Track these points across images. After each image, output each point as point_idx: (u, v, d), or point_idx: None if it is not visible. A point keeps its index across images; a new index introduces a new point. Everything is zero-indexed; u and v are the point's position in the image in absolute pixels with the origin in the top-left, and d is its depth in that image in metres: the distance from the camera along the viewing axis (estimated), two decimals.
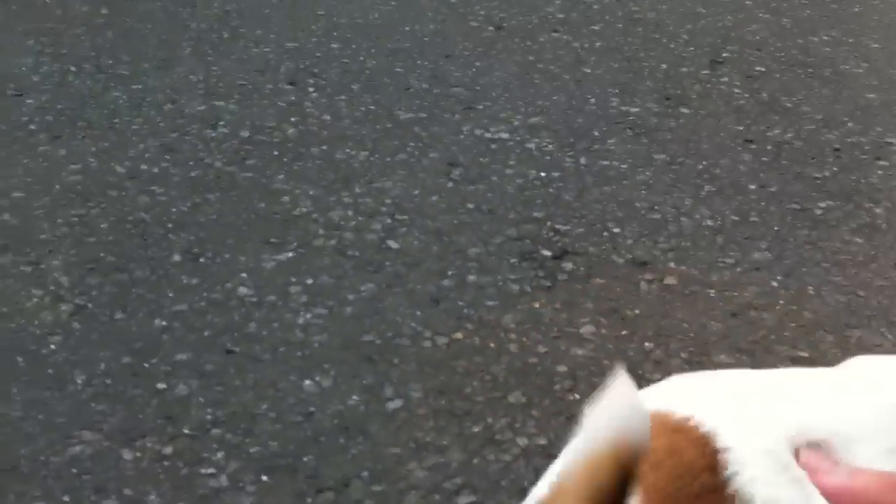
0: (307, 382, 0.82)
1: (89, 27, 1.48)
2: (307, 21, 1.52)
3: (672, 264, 1.00)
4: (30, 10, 1.53)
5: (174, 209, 1.05)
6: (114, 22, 1.50)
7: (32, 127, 1.20)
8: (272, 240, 1.01)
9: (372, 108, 1.28)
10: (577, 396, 0.83)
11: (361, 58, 1.41)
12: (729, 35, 1.53)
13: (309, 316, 0.90)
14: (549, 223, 1.05)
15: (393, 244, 1.01)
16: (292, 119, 1.24)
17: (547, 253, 1.00)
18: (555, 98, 1.32)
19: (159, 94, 1.29)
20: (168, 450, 0.75)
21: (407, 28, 1.51)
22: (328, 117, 1.25)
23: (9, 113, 1.23)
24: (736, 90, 1.37)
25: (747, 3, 1.67)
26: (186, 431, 0.77)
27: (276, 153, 1.16)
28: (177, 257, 0.97)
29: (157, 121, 1.22)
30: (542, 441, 0.78)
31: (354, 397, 0.81)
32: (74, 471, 0.73)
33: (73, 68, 1.35)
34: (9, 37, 1.43)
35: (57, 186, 1.08)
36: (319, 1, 1.60)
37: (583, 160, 1.17)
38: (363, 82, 1.34)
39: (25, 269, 0.94)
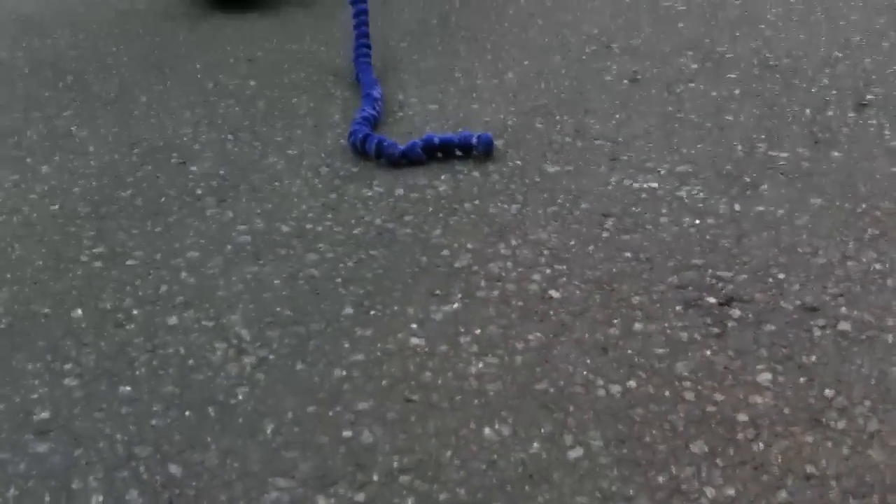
0: (487, 430, 0.83)
1: (240, 98, 1.57)
2: (446, 85, 1.57)
3: (844, 309, 0.97)
4: (184, 83, 1.63)
5: (341, 265, 1.09)
6: (263, 93, 1.58)
7: (199, 192, 1.27)
8: (437, 292, 1.03)
9: (518, 163, 1.30)
10: (762, 446, 0.81)
11: (501, 115, 1.45)
12: (871, 78, 1.51)
13: (481, 365, 0.92)
14: (710, 270, 1.04)
15: (555, 293, 1.02)
16: (442, 177, 1.28)
17: (712, 300, 0.99)
18: (699, 146, 1.32)
19: (314, 157, 1.35)
20: (360, 496, 0.77)
21: (542, 85, 1.55)
22: (476, 174, 1.28)
23: (176, 179, 1.31)
24: (886, 132, 1.34)
25: (884, 45, 1.64)
26: (376, 478, 0.79)
27: (431, 209, 1.20)
28: (349, 310, 1.01)
29: (315, 182, 1.28)
30: (730, 491, 0.77)
31: (535, 445, 0.82)
32: None
33: (230, 136, 1.43)
34: (168, 109, 1.53)
35: (228, 246, 1.14)
36: (455, 66, 1.65)
37: (737, 206, 1.16)
38: (507, 139, 1.37)
39: (207, 324, 0.99)
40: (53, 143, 1.43)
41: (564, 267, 1.06)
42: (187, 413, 0.87)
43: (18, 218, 1.22)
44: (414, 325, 0.98)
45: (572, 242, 1.11)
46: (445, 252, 1.11)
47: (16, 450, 0.83)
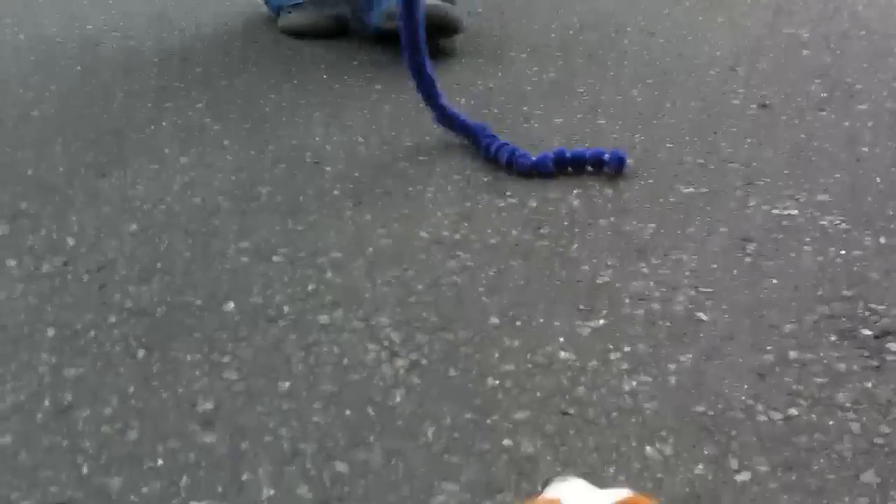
0: (648, 449, 0.83)
1: (367, 102, 1.59)
2: (569, 99, 1.58)
3: None
4: (311, 86, 1.66)
5: (482, 274, 1.10)
6: (388, 98, 1.61)
7: (336, 193, 1.29)
8: (581, 307, 1.03)
9: (650, 181, 1.30)
10: None
11: (628, 133, 1.45)
12: None
13: (634, 383, 0.92)
14: (862, 302, 1.03)
15: (702, 316, 1.02)
16: (575, 191, 1.28)
17: (868, 332, 0.98)
18: (837, 176, 1.30)
19: (444, 165, 1.36)
20: None
21: (669, 105, 1.54)
22: (609, 191, 1.28)
23: (312, 179, 1.33)
24: None
25: None
26: (540, 489, 0.79)
27: (566, 223, 1.20)
28: (495, 319, 1.02)
29: (449, 190, 1.29)
30: None
31: (700, 467, 0.81)
32: None
33: (360, 139, 1.45)
34: (298, 111, 1.56)
35: (370, 248, 1.15)
36: (577, 81, 1.65)
37: (882, 239, 1.15)
38: (637, 157, 1.36)
39: (358, 324, 1.01)
40: (189, 135, 1.47)
41: (710, 289, 1.06)
42: (347, 412, 0.88)
43: (162, 208, 1.26)
44: (561, 339, 0.98)
45: (714, 265, 1.11)
46: (585, 267, 1.11)
47: (184, 439, 0.85)
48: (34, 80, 1.72)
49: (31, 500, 0.78)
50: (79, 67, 1.79)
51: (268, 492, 0.79)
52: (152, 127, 1.50)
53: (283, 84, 1.66)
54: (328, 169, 1.36)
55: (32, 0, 2.17)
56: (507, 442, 0.84)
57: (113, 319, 1.02)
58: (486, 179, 1.32)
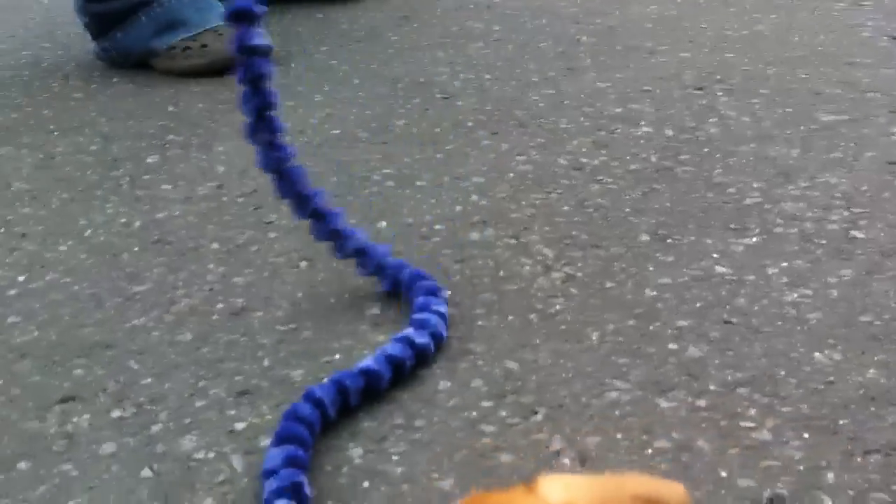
0: (817, 355, 0.83)
1: (488, 41, 1.60)
2: (693, 34, 1.56)
3: None
4: (430, 27, 1.68)
5: (627, 196, 1.10)
6: (509, 37, 1.61)
7: (469, 124, 1.31)
8: (732, 226, 1.03)
9: (789, 110, 1.29)
10: None
11: (761, 65, 1.43)
12: None
13: (795, 295, 0.91)
14: None
15: (858, 234, 1.00)
16: (711, 119, 1.27)
17: None
18: None
19: (574, 98, 1.37)
20: (701, 402, 0.78)
21: (797, 38, 1.52)
22: (747, 118, 1.27)
23: (445, 113, 1.35)
24: None
25: None
26: (712, 388, 0.80)
27: (706, 150, 1.20)
28: (645, 237, 1.02)
29: (581, 120, 1.30)
30: None
31: (871, 371, 0.81)
32: (617, 413, 0.78)
33: (487, 76, 1.47)
34: (419, 48, 1.58)
35: (510, 174, 1.17)
36: (700, 16, 1.63)
37: None
38: (771, 87, 1.35)
39: (510, 241, 1.03)
40: (319, 75, 1.50)
41: (863, 210, 1.04)
42: (510, 317, 0.90)
43: (303, 139, 1.29)
44: (716, 255, 0.98)
45: (864, 187, 1.09)
46: (731, 190, 1.10)
47: (356, 338, 0.89)
48: None
49: (219, 388, 0.82)
50: None
51: (444, 384, 0.82)
52: (282, 66, 1.54)
53: (401, 27, 1.68)
54: (460, 103, 1.38)
55: None
56: (672, 346, 0.85)
57: (272, 235, 1.06)
58: (618, 110, 1.32)
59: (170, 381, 0.83)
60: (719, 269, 0.96)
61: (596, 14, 1.70)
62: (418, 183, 1.16)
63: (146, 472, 0.73)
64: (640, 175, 1.15)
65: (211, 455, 0.74)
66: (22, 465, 0.75)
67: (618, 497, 0.34)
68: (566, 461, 0.73)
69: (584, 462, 0.73)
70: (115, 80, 1.56)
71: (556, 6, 1.76)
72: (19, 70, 1.68)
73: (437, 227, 1.06)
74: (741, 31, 1.55)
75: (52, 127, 1.40)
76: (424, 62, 1.52)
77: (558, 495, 0.33)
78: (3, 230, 1.11)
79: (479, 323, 0.90)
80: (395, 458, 0.74)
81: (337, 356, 0.86)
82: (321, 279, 0.97)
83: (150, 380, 0.83)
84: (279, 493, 0.67)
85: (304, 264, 1.00)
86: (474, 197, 1.12)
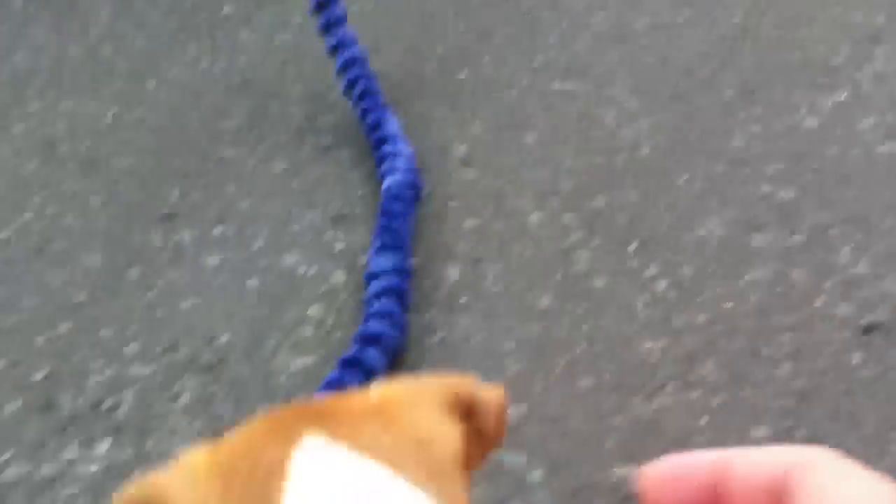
0: None
1: None
2: None
3: None
4: None
5: (712, 53, 1.09)
6: None
7: None
8: (819, 80, 1.02)
9: None
10: None
11: None
12: None
13: (884, 147, 0.91)
14: None
15: None
16: None
17: None
18: None
19: None
20: (795, 239, 0.79)
21: None
22: None
23: None
24: None
25: None
26: (805, 227, 0.81)
27: (789, 13, 1.17)
28: (730, 92, 1.01)
29: None
30: None
31: None
32: (709, 246, 0.79)
33: None
34: None
35: (587, 33, 1.16)
36: None
37: None
38: None
39: (590, 90, 1.02)
40: None
41: None
42: (598, 159, 0.91)
43: None
44: (803, 110, 0.98)
45: None
46: (820, 48, 1.09)
47: (445, 176, 0.90)
48: None
49: (313, 216, 0.84)
50: None
51: (536, 217, 0.83)
52: None
53: None
54: None
55: None
56: (765, 189, 0.86)
57: None
58: None
59: (266, 206, 0.85)
60: (808, 122, 0.96)
61: None
62: (495, 41, 1.16)
63: (252, 283, 0.76)
64: (724, 35, 1.13)
65: (313, 270, 0.76)
66: (132, 271, 0.78)
67: (435, 391, 0.33)
68: (661, 286, 0.75)
69: (680, 287, 0.75)
70: None
71: None
72: None
73: (524, 82, 1.06)
74: None
75: None
76: None
77: (378, 391, 0.32)
78: (88, 72, 1.12)
79: (567, 164, 0.90)
80: (490, 277, 0.76)
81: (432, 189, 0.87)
82: (410, 122, 0.98)
83: (246, 204, 0.85)
84: (382, 293, 0.69)
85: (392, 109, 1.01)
86: (552, 53, 1.12)
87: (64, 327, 0.73)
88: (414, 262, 0.77)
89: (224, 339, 0.71)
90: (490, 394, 0.35)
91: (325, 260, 0.78)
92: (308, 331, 0.71)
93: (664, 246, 0.79)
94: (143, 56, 1.15)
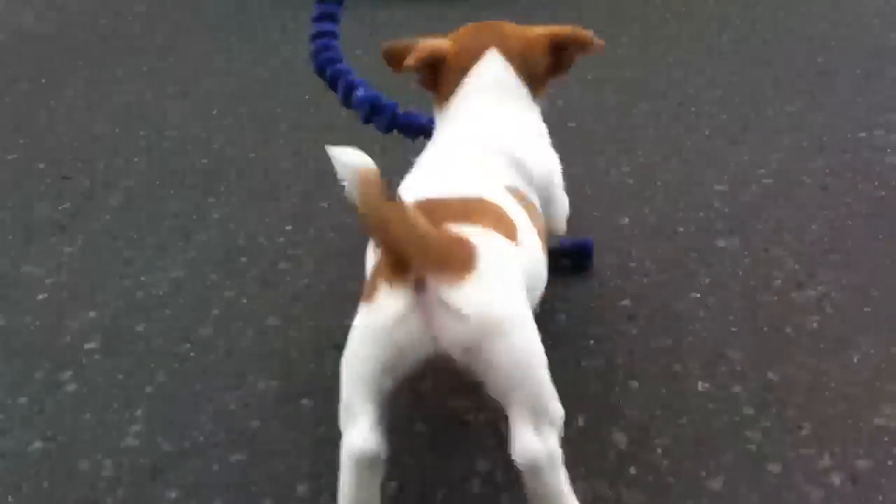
0: None
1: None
2: None
3: None
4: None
5: (880, 221, 1.07)
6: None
7: (707, 132, 1.30)
8: None
9: None
10: None
11: None
12: None
13: None
14: None
15: None
16: None
17: None
18: None
19: (827, 110, 1.34)
20: None
21: None
22: None
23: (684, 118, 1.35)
24: None
25: None
26: None
27: None
28: None
29: (824, 141, 1.27)
30: None
31: None
32: (886, 438, 0.76)
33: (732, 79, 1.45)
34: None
35: (753, 187, 1.15)
36: None
37: None
38: None
39: (759, 252, 1.02)
40: None
41: None
42: (765, 329, 0.90)
43: None
44: None
45: None
46: None
47: (611, 328, 0.90)
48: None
49: None
50: None
51: (702, 385, 0.82)
52: None
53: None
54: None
55: None
56: None
57: None
58: (861, 135, 1.28)
59: None
60: None
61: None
62: (657, 183, 1.17)
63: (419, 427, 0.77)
64: (887, 202, 1.11)
65: None
66: (305, 401, 0.80)
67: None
68: (836, 480, 0.72)
69: (855, 482, 0.72)
70: None
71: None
72: None
73: (680, 229, 1.06)
74: None
75: None
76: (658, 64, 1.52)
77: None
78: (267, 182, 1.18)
79: (733, 329, 0.89)
80: (659, 450, 0.75)
81: (591, 342, 0.87)
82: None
83: None
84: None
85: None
86: (717, 203, 1.12)
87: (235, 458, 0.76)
88: (579, 421, 0.77)
89: None
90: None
91: None
92: None
93: (838, 433, 0.76)
94: (315, 175, 1.20)
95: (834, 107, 1.36)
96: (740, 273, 0.98)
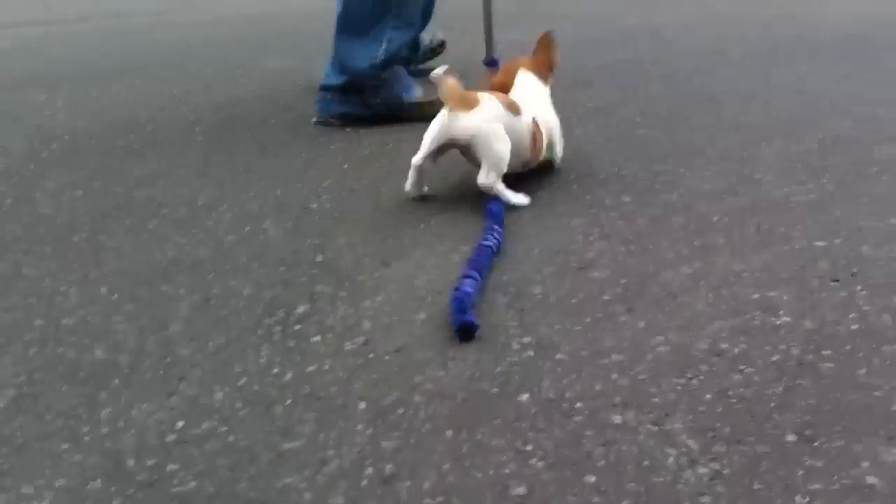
0: None
1: (621, 214, 1.65)
2: (827, 223, 1.57)
3: None
4: (567, 195, 1.74)
5: (769, 390, 1.10)
6: (642, 211, 1.65)
7: (606, 297, 1.34)
8: (881, 432, 1.02)
9: None
10: None
11: None
12: None
13: None
14: None
15: None
16: (851, 315, 1.27)
17: None
18: None
19: (710, 278, 1.39)
20: None
21: None
22: (888, 318, 1.26)
23: (582, 284, 1.38)
24: None
25: None
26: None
27: (848, 347, 1.19)
28: (792, 437, 1.01)
29: (719, 304, 1.31)
30: None
31: None
32: None
33: (621, 248, 1.50)
34: (557, 217, 1.63)
35: (649, 356, 1.18)
36: (832, 205, 1.65)
37: None
38: None
39: (652, 428, 1.03)
40: (459, 233, 1.56)
41: None
42: None
43: (443, 300, 1.34)
44: (866, 464, 0.97)
45: None
46: (878, 393, 1.09)
47: None
48: (309, 175, 1.89)
49: None
50: (346, 165, 1.95)
51: None
52: (423, 225, 1.61)
53: (539, 191, 1.75)
54: (595, 275, 1.41)
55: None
56: None
57: (418, 399, 1.09)
58: (756, 296, 1.33)
59: None
60: (870, 479, 0.94)
61: (728, 193, 1.73)
62: (558, 356, 1.19)
63: None
64: (782, 368, 1.15)
65: None
66: None
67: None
68: None
69: None
70: (265, 224, 1.66)
71: (690, 182, 1.80)
72: (175, 206, 1.80)
73: (578, 405, 1.08)
74: (875, 224, 1.56)
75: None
76: (561, 231, 1.57)
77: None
78: (161, 372, 1.18)
79: None
80: None
81: None
82: (466, 451, 0.99)
83: None
84: None
85: (449, 433, 1.03)
86: (614, 375, 1.14)
87: None
88: None
89: None
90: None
91: None
92: None
93: None
94: (216, 360, 1.20)
95: (720, 269, 1.41)
96: (635, 451, 0.99)
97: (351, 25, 2.20)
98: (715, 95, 2.54)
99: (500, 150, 1.61)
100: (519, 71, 1.83)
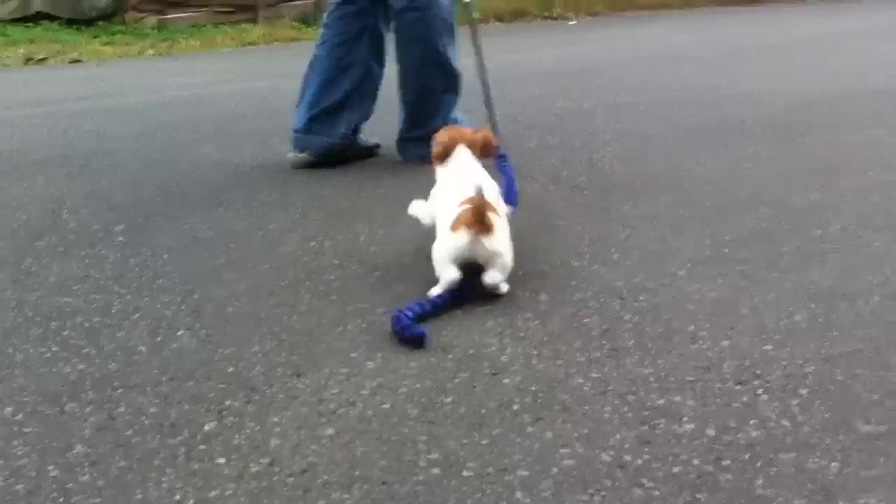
0: None
1: (537, 314, 1.67)
2: (734, 320, 1.62)
3: None
4: (486, 297, 1.76)
5: None
6: (557, 310, 1.68)
7: (515, 407, 1.35)
8: None
9: (827, 416, 1.31)
10: None
11: (799, 361, 1.47)
12: None
13: None
14: None
15: None
16: (752, 421, 1.30)
17: None
18: None
19: (618, 383, 1.41)
20: None
21: (836, 333, 1.56)
22: (787, 423, 1.30)
23: (492, 391, 1.40)
24: None
25: None
26: None
27: (747, 455, 1.22)
28: None
29: (625, 411, 1.33)
30: None
31: None
32: None
33: (534, 352, 1.52)
34: (473, 320, 1.65)
35: (555, 469, 1.20)
36: (741, 302, 1.70)
37: None
38: (811, 387, 1.38)
39: None
40: (374, 339, 1.57)
41: None
42: None
43: (354, 412, 1.34)
44: None
45: None
46: None
47: None
48: (228, 278, 1.89)
49: None
50: (265, 266, 1.95)
51: None
52: (339, 329, 1.62)
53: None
54: (506, 381, 1.43)
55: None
56: None
57: None
58: (660, 402, 1.36)
59: None
60: None
61: (641, 290, 1.77)
62: (464, 473, 1.19)
63: None
64: (682, 481, 1.17)
65: None
66: None
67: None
68: None
69: None
70: (179, 333, 1.65)
71: (605, 278, 1.84)
72: (89, 315, 1.78)
73: None
74: (779, 321, 1.61)
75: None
76: (474, 332, 1.59)
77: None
78: (62, 500, 1.15)
79: None
80: None
81: None
82: None
83: None
84: None
85: None
86: (518, 494, 1.15)
87: None
88: None
89: None
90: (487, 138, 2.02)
91: None
92: None
93: None
94: (117, 486, 1.18)
95: (629, 373, 1.44)
96: None
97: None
98: (644, 184, 2.61)
99: (512, 258, 1.78)
100: (458, 147, 1.94)
